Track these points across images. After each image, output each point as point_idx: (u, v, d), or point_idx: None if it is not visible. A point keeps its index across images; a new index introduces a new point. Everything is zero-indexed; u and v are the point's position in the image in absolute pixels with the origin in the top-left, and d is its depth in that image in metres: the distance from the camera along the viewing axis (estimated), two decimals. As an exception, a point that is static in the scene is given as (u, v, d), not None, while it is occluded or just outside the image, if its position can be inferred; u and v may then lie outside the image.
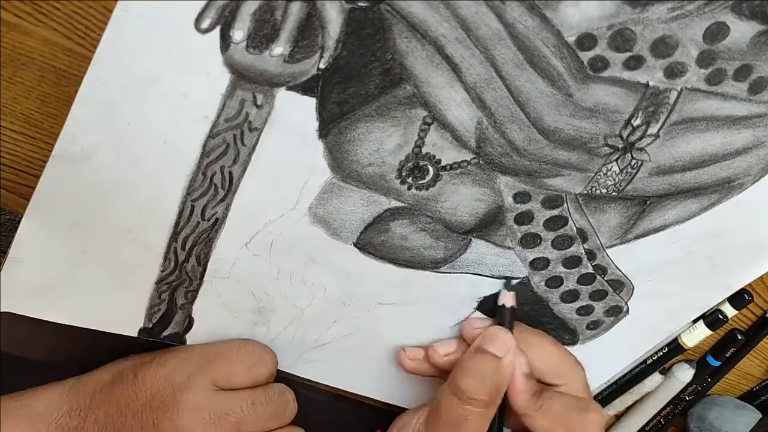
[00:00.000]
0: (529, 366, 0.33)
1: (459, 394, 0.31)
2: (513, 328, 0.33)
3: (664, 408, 0.47)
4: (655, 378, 0.44)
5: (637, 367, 0.43)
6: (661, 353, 0.41)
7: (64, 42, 0.25)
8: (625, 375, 0.44)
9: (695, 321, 0.40)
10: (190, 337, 0.33)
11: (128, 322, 0.32)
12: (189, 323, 0.33)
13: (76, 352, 0.33)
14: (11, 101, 0.26)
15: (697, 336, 0.40)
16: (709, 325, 0.39)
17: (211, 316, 0.33)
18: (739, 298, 0.38)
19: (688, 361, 0.44)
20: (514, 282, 0.34)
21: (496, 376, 0.31)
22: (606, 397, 0.45)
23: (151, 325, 0.32)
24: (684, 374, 0.44)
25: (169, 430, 0.30)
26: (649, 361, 0.42)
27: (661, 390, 0.45)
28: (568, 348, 0.38)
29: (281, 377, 0.35)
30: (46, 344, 0.33)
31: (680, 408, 0.47)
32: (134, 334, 0.33)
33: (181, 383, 0.31)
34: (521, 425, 0.33)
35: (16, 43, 0.25)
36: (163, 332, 0.33)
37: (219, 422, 0.30)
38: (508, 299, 0.34)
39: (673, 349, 0.41)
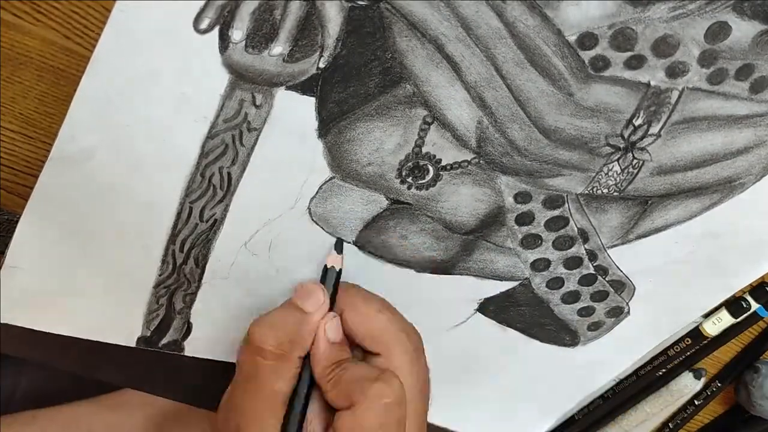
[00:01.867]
0: (342, 333, 0.30)
1: (248, 343, 0.28)
2: (336, 291, 0.31)
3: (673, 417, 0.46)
4: (688, 380, 0.44)
5: (657, 357, 0.42)
6: (683, 344, 0.40)
7: (62, 41, 0.25)
8: (645, 365, 0.43)
9: (717, 309, 0.39)
10: (189, 345, 0.33)
11: (126, 330, 0.32)
12: (187, 329, 0.33)
13: (75, 354, 0.33)
14: (9, 101, 0.26)
15: (721, 325, 0.39)
16: (732, 313, 0.39)
17: (209, 320, 0.33)
18: (760, 290, 0.38)
19: (693, 371, 0.44)
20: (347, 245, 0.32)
21: (294, 328, 0.28)
22: (627, 388, 0.44)
23: (149, 333, 0.32)
24: (690, 384, 0.44)
25: None
26: (671, 352, 0.41)
27: (664, 398, 0.45)
28: (568, 349, 0.38)
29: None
30: (46, 346, 0.33)
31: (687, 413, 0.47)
32: (132, 343, 0.32)
33: None
34: None
35: (14, 43, 0.25)
36: (162, 340, 0.33)
37: None
38: (335, 260, 0.31)
39: (695, 338, 0.40)
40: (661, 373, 0.43)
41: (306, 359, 0.29)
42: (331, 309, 0.30)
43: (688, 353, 0.41)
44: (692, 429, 0.49)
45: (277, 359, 0.28)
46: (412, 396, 0.29)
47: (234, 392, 0.29)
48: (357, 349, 0.31)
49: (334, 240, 0.31)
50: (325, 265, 0.31)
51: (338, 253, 0.31)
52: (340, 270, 0.31)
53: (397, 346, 0.30)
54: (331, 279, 0.31)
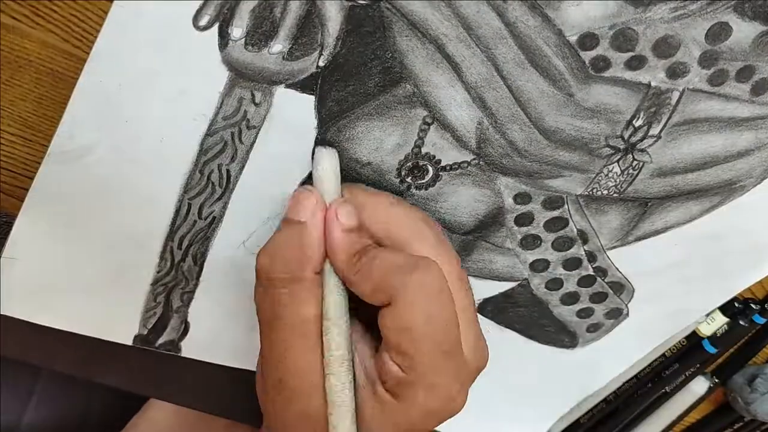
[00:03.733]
0: (357, 217, 0.26)
1: (259, 279, 0.26)
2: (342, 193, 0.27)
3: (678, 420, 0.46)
4: (700, 383, 0.43)
5: (656, 359, 0.42)
6: (678, 345, 0.40)
7: (61, 44, 0.25)
8: (644, 369, 0.43)
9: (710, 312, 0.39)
10: (186, 345, 0.33)
11: (123, 328, 0.32)
12: (185, 329, 0.33)
13: (74, 357, 0.33)
14: (8, 104, 0.26)
15: (714, 325, 0.39)
16: (725, 313, 0.39)
17: (207, 319, 0.33)
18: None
19: (704, 374, 0.44)
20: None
21: (297, 243, 0.25)
22: (627, 390, 0.44)
23: (146, 332, 0.32)
24: (699, 387, 0.44)
25: None
26: (668, 353, 0.41)
27: (673, 402, 0.45)
28: (567, 350, 0.38)
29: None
30: (46, 348, 0.33)
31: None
32: (129, 342, 0.32)
33: None
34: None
35: (13, 46, 0.25)
36: (159, 339, 0.33)
37: None
38: (324, 157, 0.27)
39: (690, 337, 0.40)
40: (663, 374, 0.43)
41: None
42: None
43: (687, 355, 0.41)
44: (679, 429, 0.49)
45: (291, 283, 0.25)
46: (451, 283, 0.25)
47: (263, 343, 0.26)
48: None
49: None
50: (314, 154, 0.27)
51: (325, 148, 0.27)
52: (337, 154, 0.27)
53: (418, 235, 0.26)
54: (331, 162, 0.26)
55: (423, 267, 0.24)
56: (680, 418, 0.46)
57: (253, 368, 0.35)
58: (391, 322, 0.24)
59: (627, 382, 0.44)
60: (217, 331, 0.33)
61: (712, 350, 0.40)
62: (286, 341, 0.25)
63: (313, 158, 0.27)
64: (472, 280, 0.33)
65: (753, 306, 0.39)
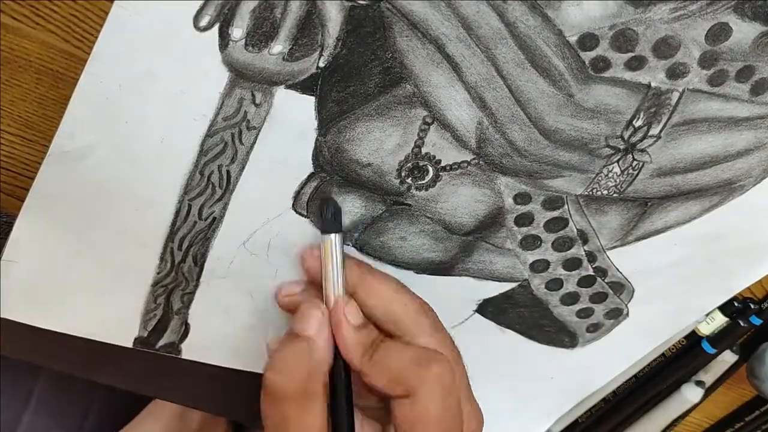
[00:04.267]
0: (362, 315, 0.28)
1: (267, 393, 0.26)
2: (343, 269, 0.28)
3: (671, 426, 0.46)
4: (694, 390, 0.43)
5: (656, 359, 0.42)
6: (678, 345, 0.41)
7: (61, 45, 0.25)
8: (644, 368, 0.43)
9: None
10: (186, 347, 0.33)
11: (123, 330, 0.32)
12: (185, 331, 0.33)
13: (74, 357, 0.33)
14: (8, 104, 0.26)
15: (714, 325, 0.39)
16: (724, 312, 0.39)
17: (207, 320, 0.33)
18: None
19: (697, 382, 0.44)
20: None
21: (307, 362, 0.26)
22: (627, 390, 0.44)
23: (146, 334, 0.32)
24: (692, 394, 0.44)
25: None
26: (667, 353, 0.41)
27: (666, 408, 0.45)
28: (567, 350, 0.38)
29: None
30: (46, 349, 0.33)
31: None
32: (129, 344, 0.32)
33: None
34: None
35: (13, 46, 0.25)
36: (159, 341, 0.33)
37: None
38: (333, 226, 0.28)
39: (689, 336, 0.40)
40: (661, 376, 0.43)
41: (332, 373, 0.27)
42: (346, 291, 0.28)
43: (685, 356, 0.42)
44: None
45: (303, 398, 0.26)
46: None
47: None
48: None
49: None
50: (323, 236, 0.28)
51: (334, 218, 0.28)
52: (342, 235, 0.28)
53: (419, 326, 0.28)
54: (336, 250, 0.28)
55: (438, 361, 0.26)
56: (681, 417, 0.46)
57: (253, 369, 0.35)
58: (410, 413, 0.26)
59: (626, 381, 0.44)
60: (217, 332, 0.33)
61: (711, 351, 0.41)
62: None
63: (321, 242, 0.28)
64: (472, 280, 0.33)
65: (752, 305, 0.39)
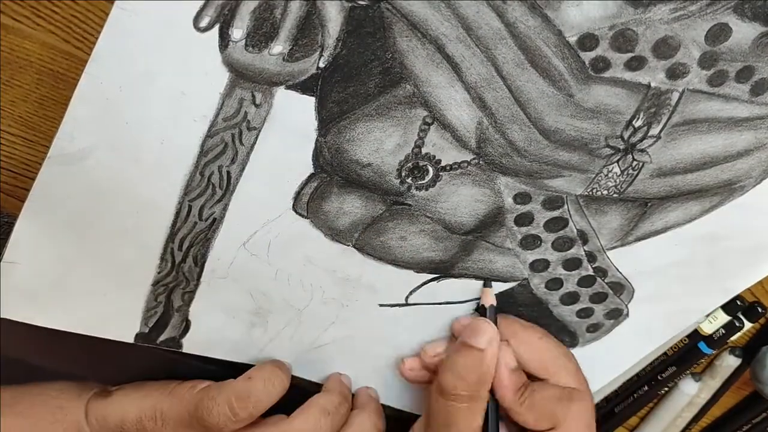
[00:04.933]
0: (516, 359, 0.32)
1: (441, 392, 0.31)
2: (497, 323, 0.33)
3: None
4: (690, 385, 0.43)
5: (657, 358, 0.42)
6: (680, 344, 0.41)
7: (62, 45, 0.25)
8: (645, 368, 0.43)
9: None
10: (187, 341, 0.33)
11: (124, 326, 0.32)
12: (186, 327, 0.33)
13: (76, 356, 0.33)
14: (9, 104, 0.26)
15: (717, 324, 0.39)
16: (728, 312, 0.39)
17: (208, 318, 0.33)
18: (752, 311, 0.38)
19: (693, 374, 0.44)
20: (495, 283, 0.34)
21: (478, 369, 0.31)
22: (627, 390, 0.44)
23: (147, 330, 0.32)
24: (689, 387, 0.44)
25: None
26: (669, 352, 0.41)
27: (664, 404, 0.45)
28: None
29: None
30: (46, 348, 0.33)
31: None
32: (130, 339, 0.32)
33: None
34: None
35: (14, 46, 0.25)
36: (160, 337, 0.33)
37: None
38: (488, 299, 0.33)
39: (691, 336, 0.40)
40: (661, 376, 0.43)
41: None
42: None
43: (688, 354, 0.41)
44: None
45: (470, 400, 0.31)
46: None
47: None
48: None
49: (332, 242, 0.31)
50: (482, 305, 0.33)
51: (487, 287, 0.33)
52: (493, 306, 0.33)
53: (562, 367, 0.33)
54: (490, 314, 0.33)
55: (579, 398, 0.31)
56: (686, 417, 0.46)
57: (253, 362, 0.35)
58: None
59: (627, 381, 0.44)
60: (217, 330, 0.33)
61: (708, 352, 0.41)
62: None
63: (480, 296, 0.33)
64: (472, 281, 0.33)
65: (759, 309, 0.39)
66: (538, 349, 0.33)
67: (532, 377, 0.33)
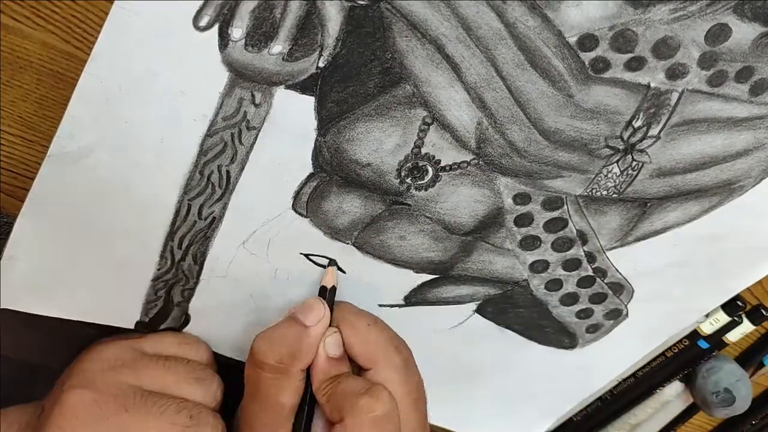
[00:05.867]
0: (342, 348, 0.31)
1: (252, 357, 0.29)
2: (333, 308, 0.31)
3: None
4: (675, 386, 0.44)
5: (656, 358, 0.42)
6: (680, 345, 0.41)
7: (62, 45, 0.25)
8: (643, 367, 0.43)
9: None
10: (188, 331, 0.33)
11: (125, 315, 0.32)
12: (185, 320, 0.33)
13: (76, 356, 0.33)
14: (9, 104, 0.26)
15: (717, 326, 0.39)
16: (728, 312, 0.39)
17: (207, 314, 0.33)
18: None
19: (681, 378, 0.44)
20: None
21: (294, 344, 0.29)
22: (625, 390, 0.44)
23: (147, 320, 0.32)
24: (672, 388, 0.44)
25: None
26: (668, 353, 0.41)
27: (653, 405, 0.45)
28: (567, 351, 0.38)
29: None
30: (44, 347, 0.33)
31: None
32: (131, 326, 0.32)
33: None
34: None
35: (14, 47, 0.25)
36: (160, 327, 0.33)
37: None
38: (329, 279, 0.32)
39: (691, 336, 0.40)
40: (660, 377, 0.43)
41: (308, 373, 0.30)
42: (330, 325, 0.31)
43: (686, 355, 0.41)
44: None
45: (278, 372, 0.29)
46: (404, 406, 0.30)
47: (244, 405, 0.30)
48: (355, 365, 0.31)
49: (332, 240, 0.31)
50: (323, 285, 0.32)
51: (331, 266, 0.32)
52: (335, 287, 0.32)
53: (386, 359, 0.30)
54: (330, 296, 0.31)
55: (372, 393, 0.28)
56: (679, 418, 0.46)
57: None
58: None
59: (625, 380, 0.44)
60: (216, 327, 0.33)
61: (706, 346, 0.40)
62: (261, 414, 0.29)
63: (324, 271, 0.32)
64: (472, 281, 0.33)
65: (763, 311, 0.39)
66: (366, 338, 0.31)
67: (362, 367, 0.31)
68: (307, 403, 0.30)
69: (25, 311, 0.30)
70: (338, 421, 0.28)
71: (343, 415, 0.28)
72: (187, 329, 0.33)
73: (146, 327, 0.32)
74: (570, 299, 0.35)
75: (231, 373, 0.33)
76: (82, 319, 0.31)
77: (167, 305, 0.32)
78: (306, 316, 0.29)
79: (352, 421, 0.28)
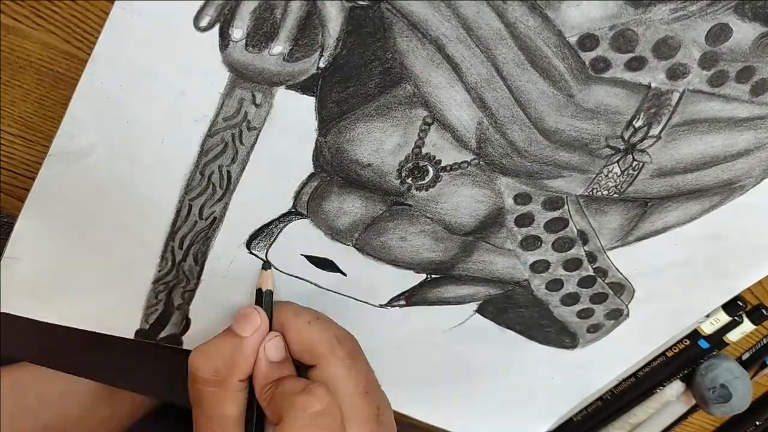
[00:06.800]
0: (284, 352, 0.30)
1: (190, 373, 0.29)
2: (272, 311, 0.31)
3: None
4: (676, 386, 0.43)
5: (656, 358, 0.42)
6: (681, 345, 0.40)
7: (62, 45, 0.25)
8: (644, 367, 0.43)
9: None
10: (187, 339, 0.33)
11: (125, 323, 0.32)
12: (186, 324, 0.33)
13: (72, 355, 0.33)
14: (9, 104, 0.26)
15: (718, 325, 0.39)
16: (728, 312, 0.39)
17: (208, 316, 0.33)
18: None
19: (681, 378, 0.44)
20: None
21: (229, 356, 0.29)
22: (626, 390, 0.44)
23: (147, 327, 0.32)
24: (673, 388, 0.44)
25: None
26: (669, 353, 0.41)
27: (653, 405, 0.45)
28: (568, 351, 0.38)
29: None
30: (45, 347, 0.33)
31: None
32: (131, 336, 0.32)
33: None
34: None
35: (14, 46, 0.25)
36: (160, 334, 0.33)
37: None
38: (265, 282, 0.31)
39: (691, 336, 0.40)
40: (661, 377, 0.43)
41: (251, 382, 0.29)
42: (270, 329, 0.30)
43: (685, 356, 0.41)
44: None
45: (216, 385, 0.29)
46: (354, 399, 0.29)
47: (193, 420, 0.30)
48: (302, 365, 0.31)
49: (333, 241, 0.31)
50: (259, 288, 0.31)
51: (266, 269, 0.31)
52: (270, 291, 0.31)
53: (329, 354, 0.30)
54: (264, 301, 0.31)
55: (307, 391, 0.28)
56: (679, 418, 0.46)
57: None
58: None
59: (625, 380, 0.44)
60: (218, 328, 0.33)
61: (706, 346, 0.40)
62: (207, 427, 0.29)
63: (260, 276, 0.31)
64: (472, 281, 0.33)
65: (764, 311, 0.39)
66: (308, 336, 0.30)
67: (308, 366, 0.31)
68: (255, 412, 0.29)
69: (25, 316, 0.30)
70: (278, 422, 0.28)
71: (282, 415, 0.28)
72: (188, 334, 0.33)
73: (146, 336, 0.32)
74: (571, 299, 0.35)
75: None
76: (82, 327, 0.31)
77: (167, 309, 0.32)
78: (241, 327, 0.29)
79: (290, 420, 0.27)
